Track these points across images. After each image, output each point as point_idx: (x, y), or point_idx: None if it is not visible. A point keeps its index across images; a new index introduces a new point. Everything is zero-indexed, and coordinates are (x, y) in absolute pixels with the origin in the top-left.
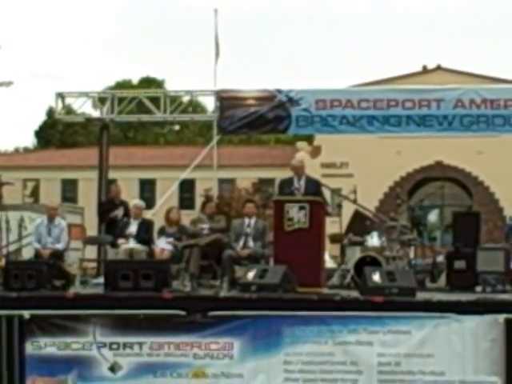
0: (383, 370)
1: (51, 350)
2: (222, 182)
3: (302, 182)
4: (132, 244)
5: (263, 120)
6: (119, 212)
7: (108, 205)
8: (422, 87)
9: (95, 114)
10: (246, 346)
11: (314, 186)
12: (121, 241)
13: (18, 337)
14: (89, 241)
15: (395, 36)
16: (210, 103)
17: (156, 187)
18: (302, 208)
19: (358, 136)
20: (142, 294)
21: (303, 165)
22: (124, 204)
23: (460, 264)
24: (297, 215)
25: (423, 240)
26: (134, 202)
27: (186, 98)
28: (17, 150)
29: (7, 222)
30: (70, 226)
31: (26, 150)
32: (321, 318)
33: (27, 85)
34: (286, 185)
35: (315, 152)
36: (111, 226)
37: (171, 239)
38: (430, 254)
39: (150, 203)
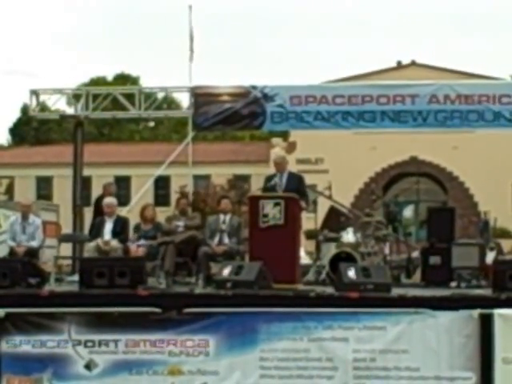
0: (358, 366)
1: (26, 348)
2: (197, 178)
3: (284, 178)
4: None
5: (238, 116)
6: None
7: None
8: (396, 83)
9: (70, 110)
10: (222, 343)
11: (295, 182)
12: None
13: None
14: (64, 238)
15: (369, 32)
16: (184, 100)
17: (131, 184)
18: (277, 204)
19: (333, 132)
20: (118, 292)
21: (284, 161)
22: None
23: (435, 260)
24: (272, 211)
25: (398, 236)
26: (106, 200)
27: (160, 95)
28: None
29: None
30: (44, 223)
31: (0, 148)
32: (296, 315)
33: (1, 82)
34: (269, 180)
35: (290, 148)
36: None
37: (142, 241)
38: (405, 250)
39: (125, 200)
